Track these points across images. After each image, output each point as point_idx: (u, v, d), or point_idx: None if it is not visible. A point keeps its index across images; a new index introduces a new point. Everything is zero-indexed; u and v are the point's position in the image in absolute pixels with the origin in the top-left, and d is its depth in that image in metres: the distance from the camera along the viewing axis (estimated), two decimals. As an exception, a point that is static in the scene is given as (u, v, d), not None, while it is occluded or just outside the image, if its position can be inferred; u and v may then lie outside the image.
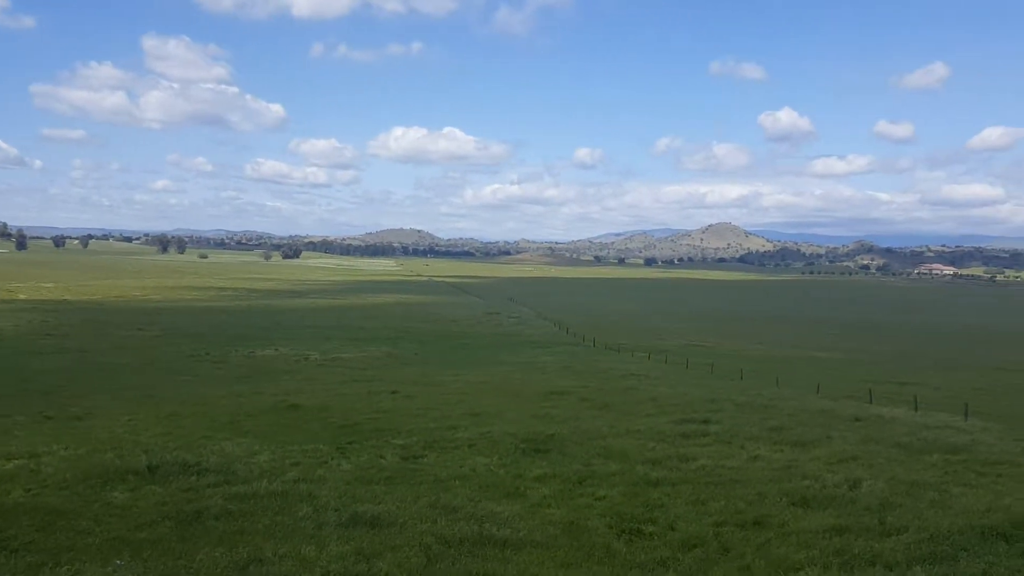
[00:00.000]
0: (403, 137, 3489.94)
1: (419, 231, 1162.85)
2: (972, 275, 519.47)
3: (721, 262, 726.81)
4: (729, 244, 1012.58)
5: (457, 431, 24.76)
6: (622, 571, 10.87)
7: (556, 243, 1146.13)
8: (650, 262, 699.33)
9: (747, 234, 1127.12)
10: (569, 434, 23.89)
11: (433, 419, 27.91)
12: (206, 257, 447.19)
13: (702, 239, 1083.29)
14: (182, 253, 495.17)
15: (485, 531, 12.48)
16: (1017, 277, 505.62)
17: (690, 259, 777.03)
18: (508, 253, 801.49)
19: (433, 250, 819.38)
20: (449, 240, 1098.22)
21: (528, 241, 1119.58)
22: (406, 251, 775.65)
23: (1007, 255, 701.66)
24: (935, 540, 11.89)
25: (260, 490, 15.23)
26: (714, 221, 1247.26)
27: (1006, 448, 22.15)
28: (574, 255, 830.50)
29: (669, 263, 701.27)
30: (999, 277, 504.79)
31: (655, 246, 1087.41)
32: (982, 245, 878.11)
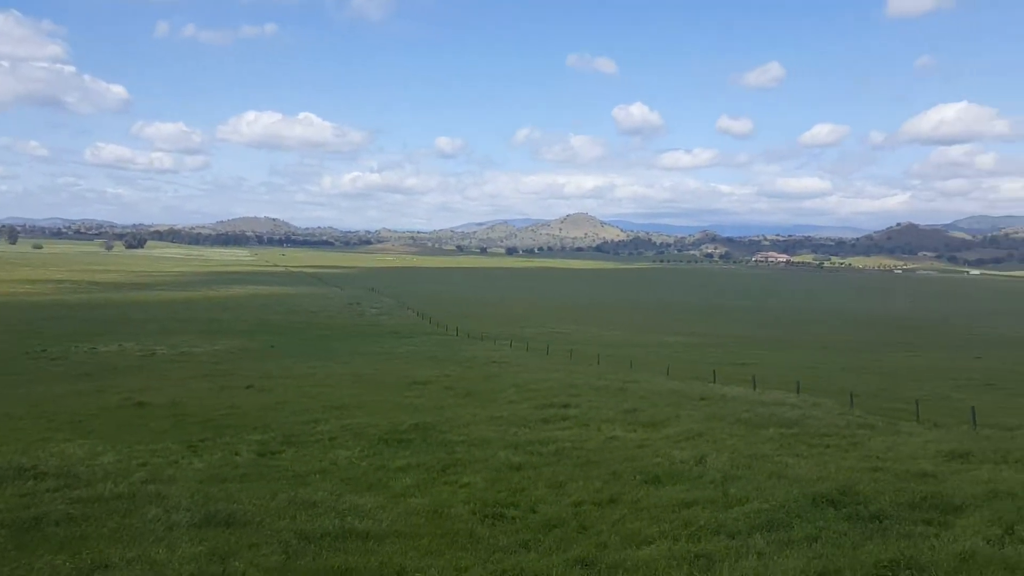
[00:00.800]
0: (256, 122, 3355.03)
1: (274, 220, 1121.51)
2: (803, 262, 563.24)
3: (579, 251, 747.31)
4: (586, 234, 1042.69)
5: (317, 424, 24.29)
6: (485, 555, 11.07)
7: (418, 232, 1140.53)
8: (512, 251, 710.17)
9: (602, 224, 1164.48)
10: (433, 423, 23.98)
11: (292, 413, 27.22)
12: (41, 248, 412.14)
13: (561, 229, 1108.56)
14: (14, 244, 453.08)
15: (347, 524, 12.35)
16: (842, 263, 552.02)
17: (550, 248, 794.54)
18: (369, 243, 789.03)
19: (290, 239, 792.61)
20: (307, 229, 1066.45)
21: (390, 231, 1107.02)
22: (261, 241, 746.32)
23: (833, 243, 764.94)
24: (772, 509, 12.85)
25: (105, 493, 14.35)
26: (572, 211, 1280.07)
27: (833, 421, 24.21)
28: (437, 244, 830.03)
29: (530, 252, 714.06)
30: (826, 264, 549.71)
31: (516, 235, 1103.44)
32: (811, 234, 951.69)
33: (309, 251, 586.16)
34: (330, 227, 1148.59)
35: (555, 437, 21.40)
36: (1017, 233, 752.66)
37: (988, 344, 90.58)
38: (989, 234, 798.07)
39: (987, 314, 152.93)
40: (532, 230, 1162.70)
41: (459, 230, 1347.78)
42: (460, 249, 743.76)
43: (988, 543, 10.54)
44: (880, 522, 11.89)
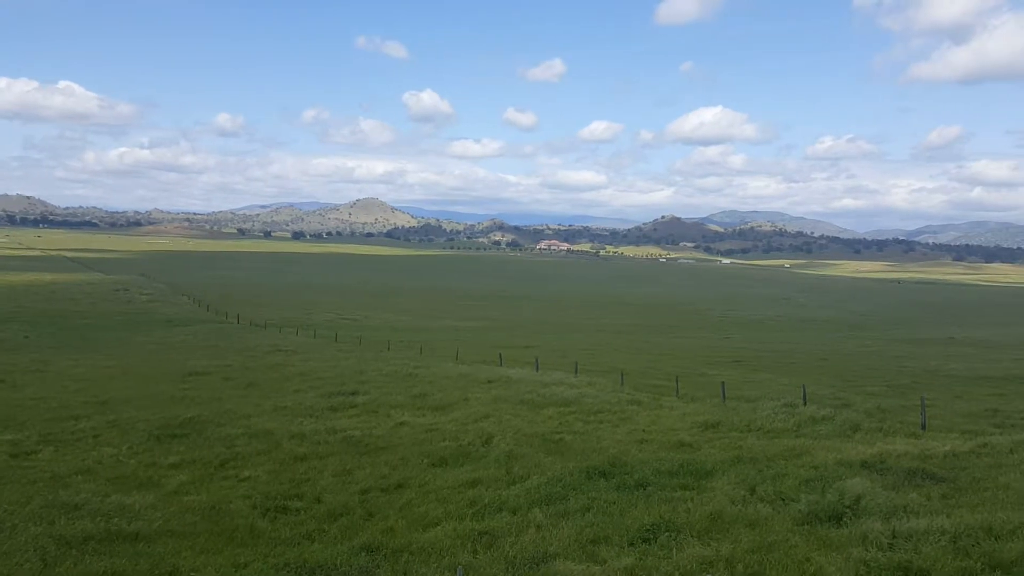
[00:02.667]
0: (7, 89, 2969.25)
1: (29, 198, 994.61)
2: (582, 250, 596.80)
3: (369, 236, 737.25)
4: (376, 219, 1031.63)
5: (79, 421, 22.20)
6: (266, 549, 10.76)
7: (195, 214, 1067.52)
8: (298, 236, 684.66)
9: (393, 210, 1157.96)
10: (211, 416, 22.76)
11: (49, 410, 24.65)
12: None
13: (350, 214, 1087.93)
14: None
15: (113, 526, 11.50)
16: (616, 252, 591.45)
17: (339, 233, 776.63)
18: (139, 224, 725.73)
19: (47, 219, 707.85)
20: (68, 209, 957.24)
21: (163, 212, 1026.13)
22: (13, 221, 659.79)
23: (608, 233, 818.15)
24: (551, 483, 13.61)
25: None
26: (362, 196, 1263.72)
27: (606, 398, 25.96)
28: (215, 227, 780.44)
29: (318, 237, 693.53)
30: (602, 252, 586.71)
31: (303, 219, 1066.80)
32: (589, 224, 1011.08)
33: (70, 233, 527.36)
34: (94, 207, 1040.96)
35: (342, 426, 21.14)
36: (761, 226, 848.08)
37: (735, 325, 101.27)
38: (738, 227, 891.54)
39: (735, 298, 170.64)
40: (320, 214, 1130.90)
41: (240, 212, 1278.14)
42: (242, 232, 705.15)
43: (734, 503, 11.86)
44: (644, 489, 12.98)
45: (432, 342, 58.13)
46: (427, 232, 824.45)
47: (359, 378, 32.13)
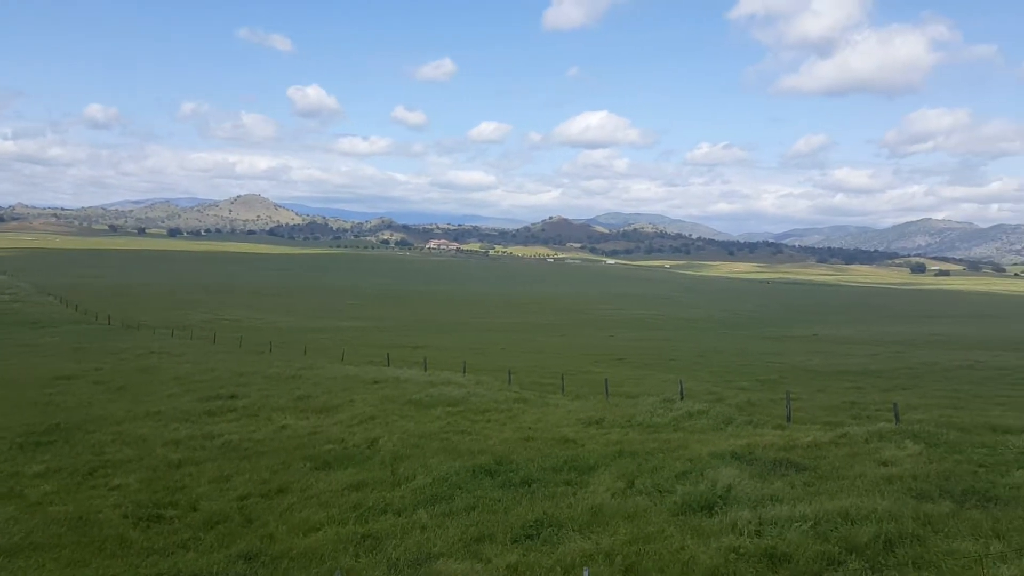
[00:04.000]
0: None
1: None
2: (471, 249, 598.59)
3: (251, 234, 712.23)
4: (259, 216, 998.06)
5: (-76, 433, 20.43)
6: (138, 560, 10.27)
7: (63, 209, 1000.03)
8: (175, 233, 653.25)
9: (277, 207, 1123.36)
10: (78, 422, 21.49)
11: None
12: None
13: (231, 210, 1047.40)
14: None
15: (-34, 544, 10.67)
16: (505, 251, 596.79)
17: (219, 230, 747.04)
18: (1, 220, 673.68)
19: None
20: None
21: (27, 206, 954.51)
22: None
23: (497, 233, 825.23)
24: (437, 483, 13.62)
25: None
26: (243, 192, 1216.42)
27: (494, 397, 26.18)
28: (85, 223, 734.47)
29: (196, 234, 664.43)
30: (491, 251, 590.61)
31: (180, 216, 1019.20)
32: (479, 224, 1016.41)
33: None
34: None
35: (221, 430, 20.40)
36: (643, 228, 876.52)
37: (620, 324, 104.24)
38: (622, 228, 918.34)
39: (619, 298, 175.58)
40: (199, 211, 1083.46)
41: (113, 208, 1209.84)
42: (114, 229, 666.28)
43: (614, 497, 12.24)
44: (529, 486, 13.19)
45: (317, 343, 56.87)
46: (313, 230, 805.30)
47: (239, 381, 31.08)
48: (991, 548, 9.11)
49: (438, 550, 9.80)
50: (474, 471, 14.34)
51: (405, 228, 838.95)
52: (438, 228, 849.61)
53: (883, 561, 8.79)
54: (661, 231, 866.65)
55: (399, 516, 11.80)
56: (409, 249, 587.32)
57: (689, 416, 21.43)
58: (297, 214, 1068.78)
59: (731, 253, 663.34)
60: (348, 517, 11.83)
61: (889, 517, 10.22)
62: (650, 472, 13.73)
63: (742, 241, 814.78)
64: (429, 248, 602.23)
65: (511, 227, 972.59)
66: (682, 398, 24.52)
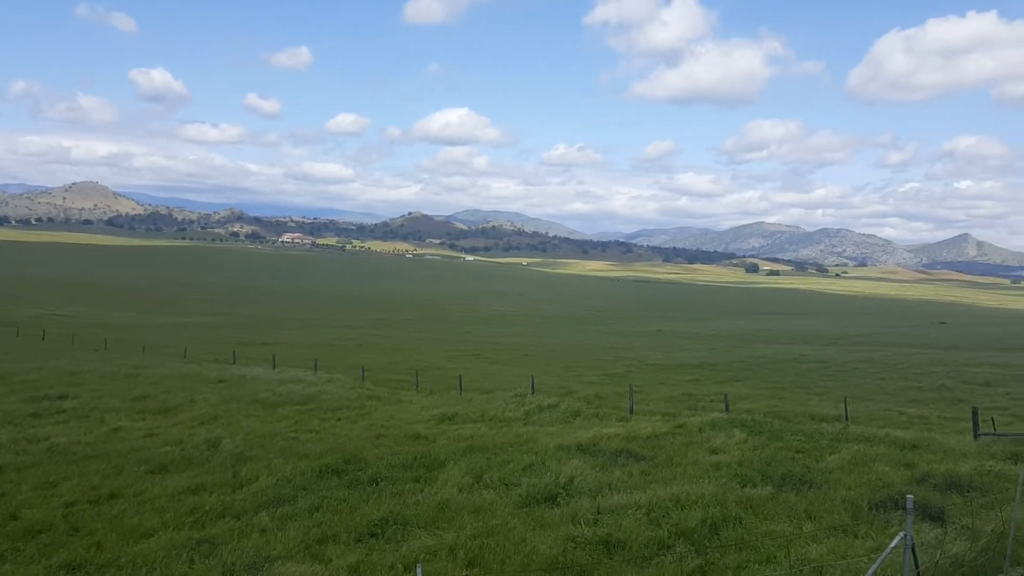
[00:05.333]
0: None
1: None
2: (328, 244, 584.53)
3: (87, 224, 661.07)
4: (96, 205, 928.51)
5: None
6: (-58, 579, 9.38)
7: None
8: (1, 222, 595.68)
9: (116, 195, 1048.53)
10: None
11: None
12: None
13: (65, 198, 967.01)
14: None
15: None
16: (363, 247, 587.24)
17: (51, 219, 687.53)
18: None
19: None
20: None
21: None
22: None
23: (355, 228, 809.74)
24: (280, 484, 13.25)
25: None
26: (80, 179, 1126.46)
27: (345, 395, 25.78)
28: None
29: (26, 223, 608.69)
30: (348, 247, 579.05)
31: (8, 203, 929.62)
32: (335, 218, 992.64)
33: None
34: None
35: (47, 433, 18.93)
36: (502, 226, 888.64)
37: (477, 320, 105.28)
38: (481, 225, 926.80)
39: (477, 294, 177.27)
40: (29, 198, 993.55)
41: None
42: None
43: (462, 491, 12.37)
44: (377, 484, 13.09)
45: (157, 340, 53.78)
46: (156, 221, 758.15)
47: (70, 380, 28.92)
48: (803, 528, 9.95)
49: (277, 553, 9.55)
50: (321, 471, 14.06)
51: (257, 220, 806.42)
52: (292, 221, 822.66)
53: (708, 544, 9.40)
54: (519, 229, 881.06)
55: (238, 520, 11.39)
56: (261, 242, 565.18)
57: (540, 410, 22.01)
58: (139, 203, 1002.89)
59: (585, 252, 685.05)
60: (184, 522, 11.29)
61: (715, 502, 10.93)
62: (499, 466, 13.97)
63: (596, 240, 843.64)
64: (283, 242, 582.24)
65: (369, 222, 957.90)
66: (533, 393, 25.12)
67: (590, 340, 72.17)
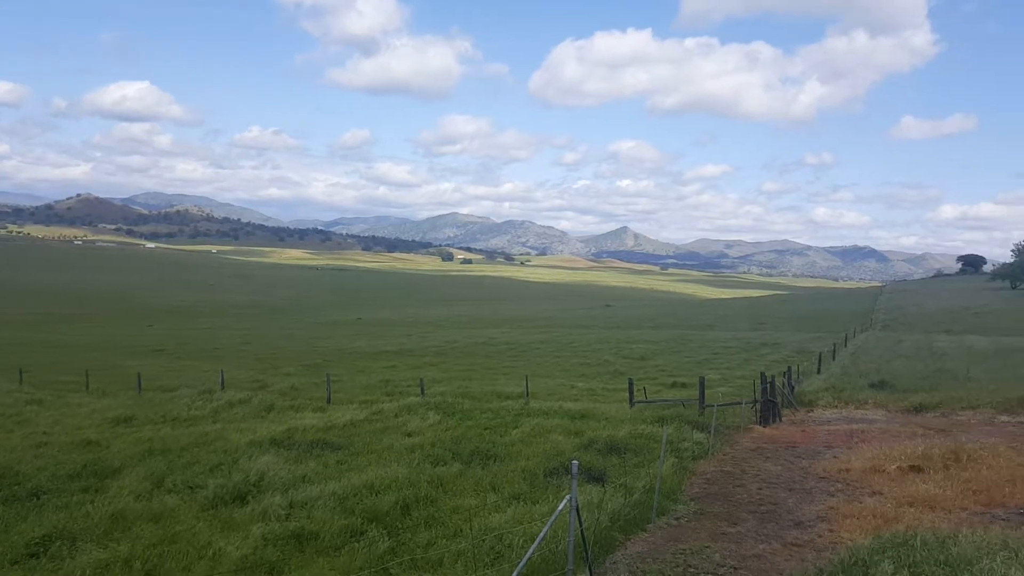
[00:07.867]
0: None
1: None
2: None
3: None
4: None
5: None
6: None
7: None
8: None
9: None
10: None
11: None
12: None
13: None
14: None
15: None
16: (20, 232, 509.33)
17: None
18: None
19: None
20: None
21: None
22: None
23: (11, 210, 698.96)
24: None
25: None
26: None
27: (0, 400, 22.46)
28: None
29: None
30: (3, 231, 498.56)
31: None
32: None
33: None
34: None
35: None
36: (189, 211, 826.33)
37: (160, 313, 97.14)
38: (164, 210, 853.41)
39: (160, 285, 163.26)
40: None
41: None
42: None
43: (139, 499, 11.43)
44: (38, 498, 11.65)
45: None
46: None
47: None
48: (488, 500, 10.71)
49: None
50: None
51: None
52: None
53: (400, 525, 9.73)
54: (208, 214, 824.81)
55: None
56: None
57: (230, 406, 21.04)
58: None
59: (282, 239, 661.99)
60: None
61: (408, 484, 11.34)
62: (182, 469, 13.16)
63: (293, 228, 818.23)
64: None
65: (29, 204, 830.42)
66: (223, 388, 23.91)
67: (287, 330, 70.20)
